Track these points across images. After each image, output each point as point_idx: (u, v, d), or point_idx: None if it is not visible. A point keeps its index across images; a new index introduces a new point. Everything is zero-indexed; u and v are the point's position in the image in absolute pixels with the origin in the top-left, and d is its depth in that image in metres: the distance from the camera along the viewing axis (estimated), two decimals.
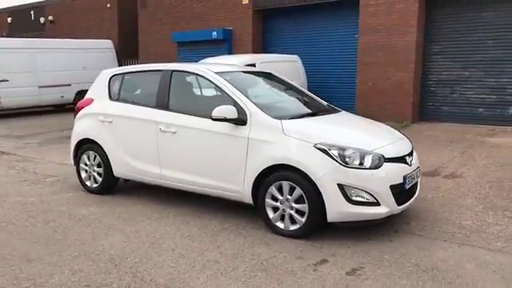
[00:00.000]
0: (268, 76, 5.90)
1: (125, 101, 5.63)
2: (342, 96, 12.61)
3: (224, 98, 4.79)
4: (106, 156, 5.66)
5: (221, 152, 4.71)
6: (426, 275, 3.56)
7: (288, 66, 11.81)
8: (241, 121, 4.53)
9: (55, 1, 22.76)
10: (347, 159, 4.10)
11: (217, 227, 4.61)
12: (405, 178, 4.31)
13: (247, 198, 4.59)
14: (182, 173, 5.02)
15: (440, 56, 11.83)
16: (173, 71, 5.26)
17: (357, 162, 4.11)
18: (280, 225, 4.39)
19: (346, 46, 12.97)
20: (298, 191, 4.22)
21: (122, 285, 3.41)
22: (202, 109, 4.99)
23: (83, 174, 5.99)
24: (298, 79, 11.77)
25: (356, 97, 12.46)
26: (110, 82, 5.81)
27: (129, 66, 5.84)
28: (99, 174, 5.81)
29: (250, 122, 4.51)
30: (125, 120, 5.47)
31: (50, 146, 9.68)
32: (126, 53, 18.57)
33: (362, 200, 4.09)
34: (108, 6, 20.05)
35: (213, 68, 5.18)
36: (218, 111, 4.53)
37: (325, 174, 4.08)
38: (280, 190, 4.35)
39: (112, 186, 5.84)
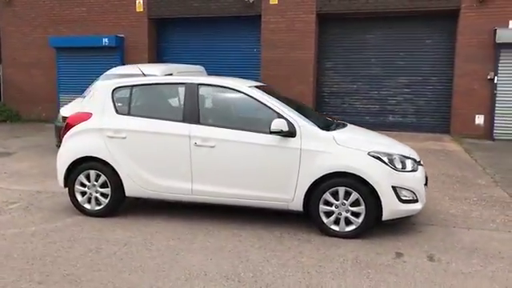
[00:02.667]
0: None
1: (139, 115, 5.30)
2: None
3: (264, 111, 5.00)
4: (116, 175, 5.25)
5: (268, 163, 4.90)
6: (475, 254, 4.42)
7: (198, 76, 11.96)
8: (291, 133, 4.82)
9: None
10: (395, 164, 4.77)
11: (271, 237, 4.79)
12: (427, 177, 5.17)
13: (297, 205, 4.89)
14: (220, 186, 5.02)
15: (332, 71, 13.43)
16: (199, 84, 5.21)
17: (401, 166, 4.81)
18: (335, 227, 4.82)
19: (249, 59, 13.66)
20: (355, 195, 4.72)
21: None
22: (242, 122, 5.11)
23: (79, 197, 5.41)
24: None
25: None
26: (113, 95, 5.39)
27: (134, 78, 5.46)
28: (104, 194, 5.34)
29: (300, 133, 4.83)
30: (144, 135, 5.18)
31: None
32: None
33: (408, 199, 4.80)
34: None
35: (241, 82, 5.31)
36: (276, 125, 4.74)
37: (381, 179, 4.67)
38: (333, 195, 4.78)
39: (117, 207, 5.43)
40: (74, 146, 5.39)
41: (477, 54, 11.63)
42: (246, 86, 5.23)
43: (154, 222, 5.16)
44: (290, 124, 4.82)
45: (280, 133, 4.78)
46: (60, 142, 9.34)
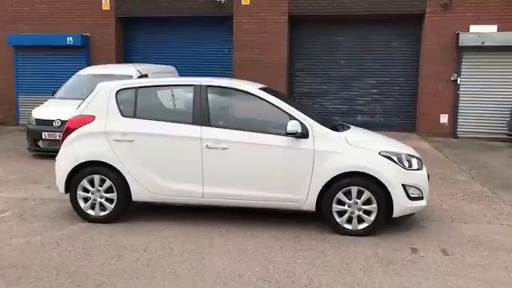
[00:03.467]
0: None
1: (146, 117, 5.18)
2: None
3: (275, 113, 5.05)
4: (122, 179, 5.11)
5: (282, 164, 4.95)
6: (482, 246, 4.69)
7: (163, 76, 11.66)
8: (304, 134, 4.90)
9: None
10: (404, 163, 4.96)
11: (287, 237, 4.83)
12: (428, 175, 5.41)
13: (309, 205, 4.98)
14: (232, 188, 5.01)
15: (303, 72, 13.67)
16: (207, 86, 5.18)
17: (408, 165, 5.01)
18: (348, 226, 4.94)
19: (220, 59, 13.60)
20: (367, 194, 4.87)
21: None
22: (253, 124, 5.13)
23: (82, 203, 5.21)
24: None
25: None
26: (117, 96, 5.24)
27: (138, 80, 5.32)
28: (109, 200, 5.18)
29: (313, 135, 4.92)
30: (153, 138, 5.07)
31: None
32: None
33: (416, 196, 5.01)
34: None
35: (248, 84, 5.33)
36: (292, 126, 4.80)
37: (393, 178, 4.85)
38: (346, 194, 4.91)
39: (123, 212, 5.28)
40: (76, 151, 5.18)
41: (441, 56, 12.23)
42: (255, 87, 5.25)
43: (164, 227, 5.07)
44: (302, 125, 4.90)
45: (295, 134, 4.84)
46: (33, 145, 9.03)
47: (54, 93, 10.24)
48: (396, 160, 4.93)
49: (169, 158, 5.08)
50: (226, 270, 3.95)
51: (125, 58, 14.26)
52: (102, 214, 5.21)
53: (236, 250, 4.44)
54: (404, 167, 4.94)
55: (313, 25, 13.33)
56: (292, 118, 4.95)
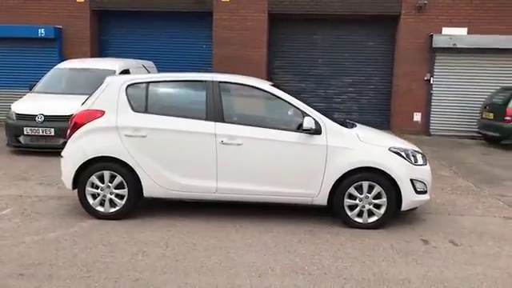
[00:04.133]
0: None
1: (158, 113, 5.13)
2: None
3: (288, 109, 5.16)
4: (134, 175, 5.05)
5: (295, 160, 5.04)
6: (484, 237, 4.97)
7: (144, 71, 11.47)
8: (317, 130, 5.01)
9: None
10: (411, 159, 5.18)
11: (302, 231, 4.92)
12: (429, 170, 5.66)
13: (321, 200, 5.10)
14: (246, 184, 5.06)
15: (282, 70, 13.83)
16: (220, 82, 5.19)
17: (414, 160, 5.23)
18: (358, 219, 5.10)
19: (199, 55, 13.52)
20: (378, 188, 5.04)
21: None
22: (266, 120, 5.19)
23: (91, 200, 5.11)
24: None
25: None
26: (127, 91, 5.16)
27: (148, 75, 5.24)
28: (119, 196, 5.10)
29: (325, 131, 5.04)
30: (167, 134, 5.03)
31: None
32: None
33: (421, 190, 5.23)
34: None
35: (259, 81, 5.38)
36: (308, 122, 4.91)
37: (402, 173, 5.05)
38: (357, 189, 5.07)
39: (133, 208, 5.21)
40: (85, 146, 5.06)
41: (415, 56, 12.72)
42: (266, 84, 5.31)
43: (176, 222, 5.05)
44: (316, 122, 5.01)
45: (309, 130, 4.95)
46: (14, 141, 8.68)
47: (31, 87, 9.86)
48: (404, 156, 5.14)
49: (182, 153, 5.06)
50: (256, 264, 4.00)
51: (99, 52, 13.93)
52: (112, 210, 5.12)
53: (257, 244, 4.49)
54: (411, 162, 5.15)
55: (292, 23, 13.51)
56: (305, 114, 5.05)
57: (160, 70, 12.59)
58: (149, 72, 12.05)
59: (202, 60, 13.45)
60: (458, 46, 12.26)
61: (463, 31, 12.51)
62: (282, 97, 5.19)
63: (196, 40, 13.63)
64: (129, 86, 5.20)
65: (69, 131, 5.20)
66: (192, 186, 5.09)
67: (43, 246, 4.30)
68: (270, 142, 5.04)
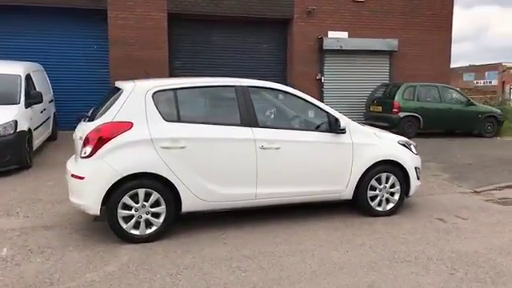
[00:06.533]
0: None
1: (191, 121, 4.75)
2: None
3: (313, 111, 5.37)
4: (172, 190, 4.63)
5: (327, 159, 5.26)
6: (479, 210, 5.91)
7: (39, 75, 10.11)
8: (343, 130, 5.32)
9: None
10: (413, 149, 5.86)
11: (334, 226, 5.14)
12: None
13: (348, 194, 5.44)
14: (284, 186, 5.08)
15: (180, 70, 13.48)
16: (249, 87, 5.07)
17: (414, 151, 5.94)
18: (379, 208, 5.58)
19: (91, 56, 12.35)
20: (393, 178, 5.59)
21: None
22: (296, 122, 5.31)
23: (123, 224, 4.50)
24: (48, 92, 10.39)
25: None
26: (154, 99, 4.66)
27: (172, 80, 4.70)
28: (155, 214, 4.61)
29: (349, 130, 5.38)
30: (206, 143, 4.71)
31: None
32: None
33: (418, 176, 5.96)
34: None
35: (281, 84, 5.44)
36: (343, 123, 5.18)
37: (410, 163, 5.68)
38: (376, 180, 5.53)
39: (169, 227, 4.75)
40: (116, 163, 4.41)
41: (306, 58, 13.81)
42: (290, 87, 5.39)
43: (207, 236, 4.77)
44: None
45: (343, 130, 5.23)
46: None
47: None
48: (408, 147, 5.79)
49: (223, 162, 4.81)
50: (351, 261, 4.15)
51: None
52: (149, 231, 4.59)
53: (326, 243, 4.62)
54: (413, 153, 5.83)
55: (191, 23, 13.33)
56: (329, 115, 5.30)
57: (49, 73, 11.15)
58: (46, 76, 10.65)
59: (96, 62, 12.34)
60: (344, 48, 13.74)
61: (345, 35, 14.04)
62: (308, 99, 5.34)
63: (89, 40, 12.40)
64: (155, 93, 4.70)
65: (90, 147, 4.45)
66: (232, 194, 4.89)
67: (112, 281, 3.68)
68: (304, 144, 5.16)
